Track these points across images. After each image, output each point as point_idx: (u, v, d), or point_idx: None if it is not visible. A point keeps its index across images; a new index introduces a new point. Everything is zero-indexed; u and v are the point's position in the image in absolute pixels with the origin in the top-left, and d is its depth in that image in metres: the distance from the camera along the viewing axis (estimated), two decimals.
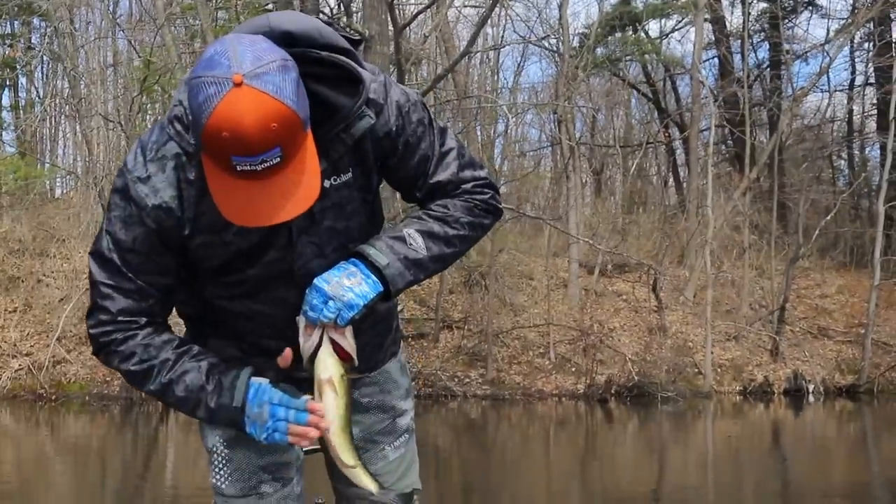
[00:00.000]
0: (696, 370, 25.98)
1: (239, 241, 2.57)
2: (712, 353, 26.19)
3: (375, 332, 2.96)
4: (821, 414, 24.45)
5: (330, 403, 2.61)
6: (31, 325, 23.68)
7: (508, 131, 33.93)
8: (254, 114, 2.20)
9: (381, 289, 2.57)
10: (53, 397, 22.13)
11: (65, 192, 30.96)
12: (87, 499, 13.00)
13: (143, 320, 2.61)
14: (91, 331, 2.63)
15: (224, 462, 2.82)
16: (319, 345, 2.56)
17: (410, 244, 2.59)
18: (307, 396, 2.57)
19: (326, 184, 2.57)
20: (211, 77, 2.25)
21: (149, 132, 2.64)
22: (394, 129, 2.64)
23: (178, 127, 2.52)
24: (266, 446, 2.73)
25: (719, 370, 26.42)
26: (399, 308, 3.27)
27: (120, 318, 2.59)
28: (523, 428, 21.43)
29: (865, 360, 27.44)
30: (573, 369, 25.47)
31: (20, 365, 22.73)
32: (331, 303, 2.48)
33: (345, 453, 2.66)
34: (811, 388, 26.91)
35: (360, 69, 2.58)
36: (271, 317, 2.71)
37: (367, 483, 2.72)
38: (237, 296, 2.68)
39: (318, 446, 3.07)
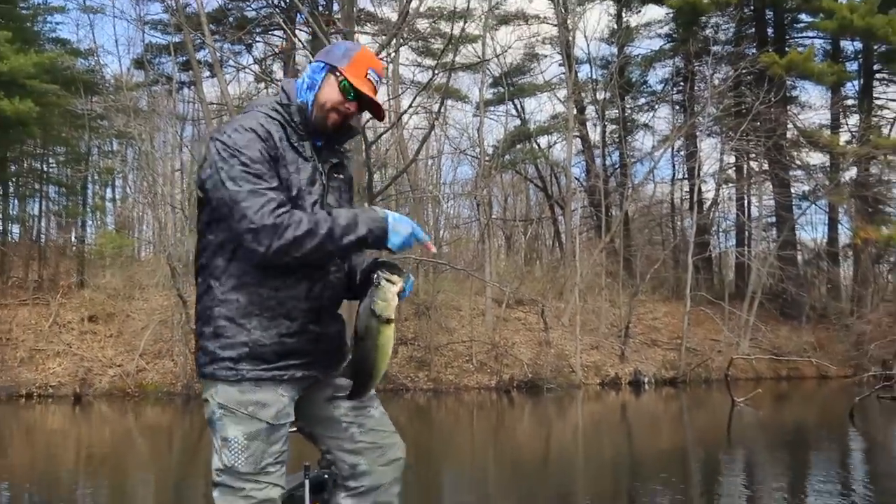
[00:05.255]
0: (570, 369, 25.95)
1: (300, 176, 2.57)
2: (581, 357, 26.39)
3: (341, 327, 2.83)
4: (653, 397, 24.35)
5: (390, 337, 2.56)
6: (122, 345, 23.38)
7: (445, 211, 34.51)
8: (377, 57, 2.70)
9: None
10: (136, 395, 21.81)
11: (145, 255, 30.99)
12: (159, 459, 13.04)
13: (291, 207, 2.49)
14: (267, 221, 2.40)
15: (242, 449, 2.54)
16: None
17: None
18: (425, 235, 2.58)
19: (334, 175, 2.73)
20: (343, 43, 2.75)
21: (242, 117, 2.64)
22: (351, 172, 2.86)
23: (280, 108, 2.65)
24: (273, 439, 2.58)
25: (586, 369, 26.40)
26: None
27: (282, 202, 2.44)
28: (455, 411, 21.10)
29: (681, 360, 27.78)
30: (488, 370, 25.43)
31: (114, 373, 22.46)
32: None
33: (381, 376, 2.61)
34: (646, 380, 27.08)
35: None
36: (309, 269, 2.58)
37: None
38: None
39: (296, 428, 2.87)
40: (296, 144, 2.62)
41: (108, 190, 32.74)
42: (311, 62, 2.80)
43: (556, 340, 27.04)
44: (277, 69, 31.64)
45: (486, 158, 31.54)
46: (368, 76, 2.66)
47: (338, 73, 2.66)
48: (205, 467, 11.04)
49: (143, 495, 9.14)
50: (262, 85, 29.59)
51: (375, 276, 2.54)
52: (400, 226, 2.50)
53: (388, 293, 2.50)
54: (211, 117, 25.28)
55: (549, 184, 36.60)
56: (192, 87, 29.03)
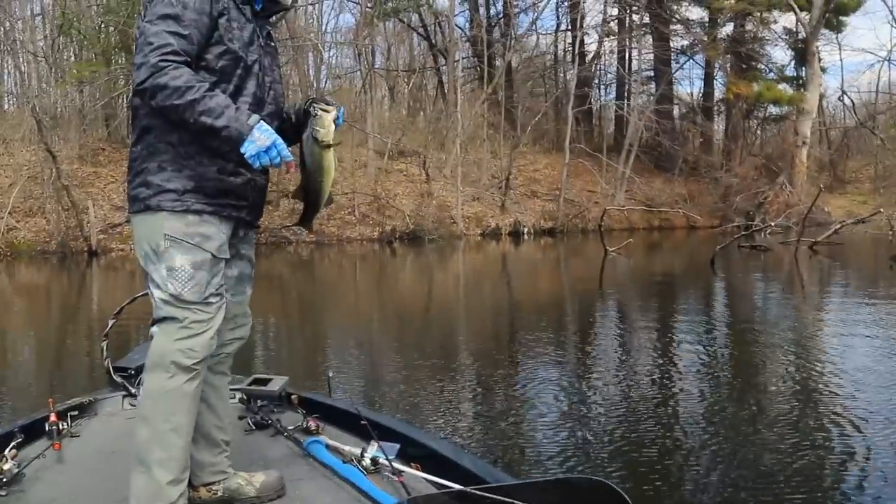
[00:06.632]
0: (452, 220, 26.42)
1: (240, 34, 2.60)
2: (462, 208, 26.83)
3: (267, 180, 2.89)
4: (532, 246, 24.90)
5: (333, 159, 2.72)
6: None
7: (326, 60, 33.66)
8: None
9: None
10: (9, 254, 21.16)
11: (8, 108, 29.24)
12: (38, 314, 12.92)
13: (189, 61, 2.46)
14: (152, 59, 2.41)
15: (188, 278, 2.56)
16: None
17: None
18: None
19: (267, 42, 2.77)
20: None
21: None
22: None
23: None
24: (215, 271, 2.63)
25: (467, 220, 26.91)
26: None
27: (179, 50, 2.43)
28: (339, 261, 21.18)
29: (559, 211, 28.64)
30: (370, 222, 25.67)
31: None
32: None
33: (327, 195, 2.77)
34: (526, 230, 27.94)
35: None
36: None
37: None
38: (230, 93, 2.58)
39: None
40: (240, 5, 2.68)
41: None
42: None
43: (438, 192, 27.36)
44: None
45: (369, 6, 30.69)
46: None
47: None
48: (88, 324, 10.95)
49: (26, 357, 8.96)
50: None
51: (312, 107, 2.70)
52: (262, 136, 2.47)
53: (326, 121, 2.66)
54: None
55: (433, 33, 36.09)
56: None
